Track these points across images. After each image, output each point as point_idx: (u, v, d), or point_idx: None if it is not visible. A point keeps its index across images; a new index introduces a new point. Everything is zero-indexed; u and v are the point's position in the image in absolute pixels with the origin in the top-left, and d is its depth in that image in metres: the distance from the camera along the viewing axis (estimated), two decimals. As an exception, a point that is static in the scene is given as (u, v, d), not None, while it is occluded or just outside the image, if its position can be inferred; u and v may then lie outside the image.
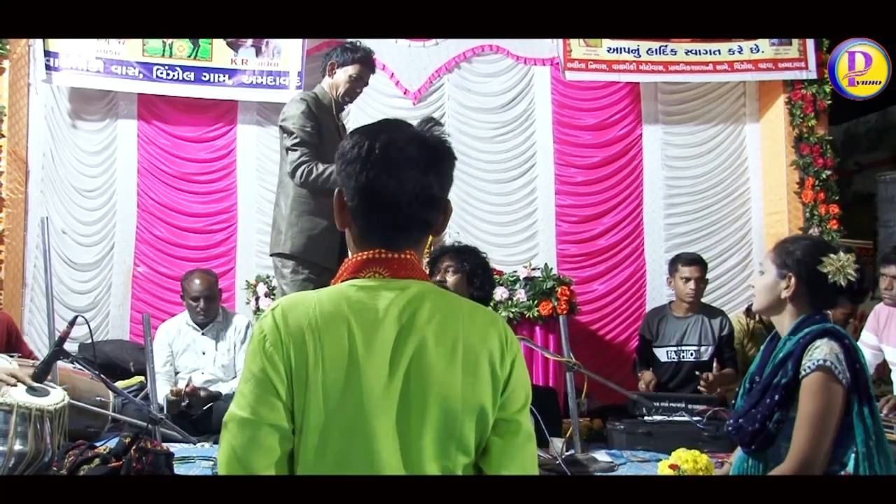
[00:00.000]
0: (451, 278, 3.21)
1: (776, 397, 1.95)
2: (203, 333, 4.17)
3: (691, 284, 4.07)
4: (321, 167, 3.10)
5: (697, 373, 3.89)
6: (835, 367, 1.89)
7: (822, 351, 1.91)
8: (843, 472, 1.99)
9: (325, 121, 3.25)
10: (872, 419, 1.90)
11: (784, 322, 2.07)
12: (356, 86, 3.29)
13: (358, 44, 3.33)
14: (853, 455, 1.95)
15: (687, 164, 5.43)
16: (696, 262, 4.13)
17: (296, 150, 3.15)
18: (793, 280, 2.02)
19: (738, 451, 2.16)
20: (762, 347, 2.17)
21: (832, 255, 1.98)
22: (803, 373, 1.92)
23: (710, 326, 4.11)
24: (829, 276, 1.98)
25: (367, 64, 3.29)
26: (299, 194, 3.18)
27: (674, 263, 4.23)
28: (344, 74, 3.26)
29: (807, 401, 1.90)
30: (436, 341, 1.19)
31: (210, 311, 4.13)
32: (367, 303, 1.21)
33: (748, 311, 4.53)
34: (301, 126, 3.15)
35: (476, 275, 3.24)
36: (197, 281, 4.13)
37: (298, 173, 3.11)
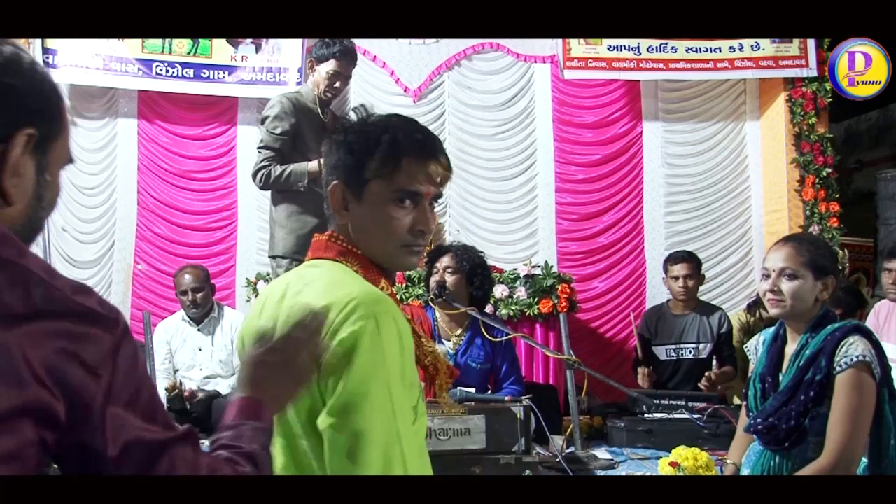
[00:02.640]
0: (450, 278, 3.21)
1: (811, 394, 1.97)
2: (199, 329, 4.18)
3: (680, 283, 4.10)
4: (279, 168, 3.12)
5: (707, 374, 3.89)
6: (872, 362, 1.93)
7: (859, 347, 1.94)
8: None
9: (305, 119, 3.23)
10: None
11: (801, 321, 2.08)
12: (335, 81, 3.25)
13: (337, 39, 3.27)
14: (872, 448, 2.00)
15: (687, 162, 5.43)
16: (684, 259, 4.15)
17: (259, 153, 3.18)
18: (832, 281, 2.07)
19: (754, 450, 2.15)
20: (766, 347, 2.18)
21: (839, 252, 2.07)
22: (839, 368, 1.95)
23: (708, 324, 4.12)
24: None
25: (344, 58, 3.24)
26: (287, 195, 3.19)
27: (665, 263, 4.28)
28: (323, 70, 3.24)
29: (845, 396, 1.93)
30: (284, 320, 1.15)
31: (201, 305, 4.13)
32: (273, 285, 1.30)
33: (749, 308, 4.53)
34: (272, 129, 3.16)
35: (476, 275, 3.25)
36: (186, 276, 4.15)
37: (258, 177, 3.15)
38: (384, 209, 1.21)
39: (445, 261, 3.26)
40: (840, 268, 2.08)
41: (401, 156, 1.21)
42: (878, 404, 1.95)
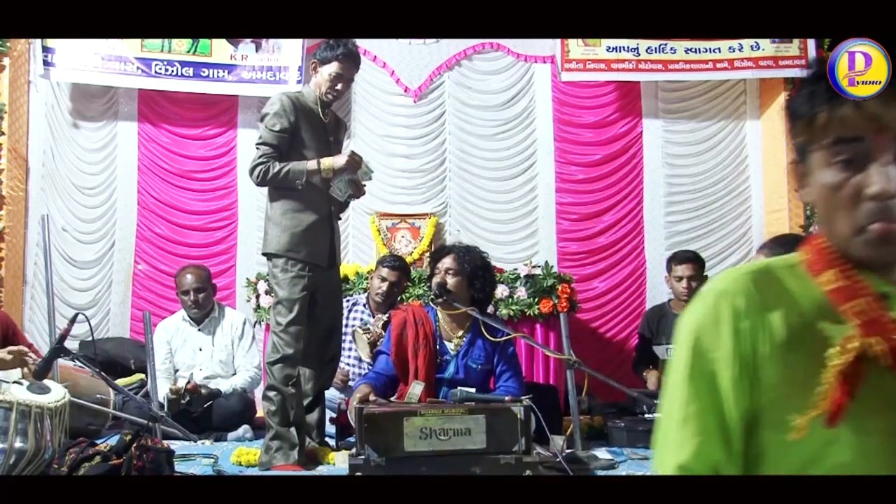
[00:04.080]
0: (451, 279, 3.21)
1: None
2: (199, 329, 4.17)
3: (684, 283, 4.13)
4: (277, 166, 3.11)
5: None
6: None
7: None
8: None
9: (305, 119, 3.23)
10: None
11: None
12: (337, 83, 3.25)
13: (342, 40, 3.25)
14: None
15: (687, 162, 5.43)
16: (690, 260, 4.18)
17: (258, 150, 3.18)
18: None
19: None
20: None
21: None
22: None
23: (709, 324, 4.12)
24: None
25: (347, 61, 3.24)
26: (284, 192, 3.19)
27: (669, 262, 4.31)
28: (325, 72, 3.24)
29: None
30: None
31: (203, 305, 4.14)
32: None
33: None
34: (271, 126, 3.16)
35: (477, 276, 3.24)
36: (188, 276, 4.15)
37: (255, 173, 3.15)
38: (820, 178, 0.92)
39: (447, 262, 3.26)
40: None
41: (820, 102, 0.95)
42: None
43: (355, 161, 3.16)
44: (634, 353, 4.44)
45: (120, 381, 3.93)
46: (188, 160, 5.28)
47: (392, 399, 3.05)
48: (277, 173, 3.10)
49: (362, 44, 5.25)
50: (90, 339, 3.47)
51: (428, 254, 5.11)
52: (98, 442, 2.68)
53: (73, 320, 2.86)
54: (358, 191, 3.23)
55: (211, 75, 5.00)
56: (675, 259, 4.25)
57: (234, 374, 4.19)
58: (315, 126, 3.25)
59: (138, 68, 4.92)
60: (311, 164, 3.11)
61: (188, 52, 4.98)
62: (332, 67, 3.22)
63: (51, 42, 4.86)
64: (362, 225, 5.26)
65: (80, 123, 5.22)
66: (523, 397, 2.73)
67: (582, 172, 5.39)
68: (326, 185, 3.20)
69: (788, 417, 0.91)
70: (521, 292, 4.49)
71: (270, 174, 3.11)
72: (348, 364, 3.98)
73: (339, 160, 3.14)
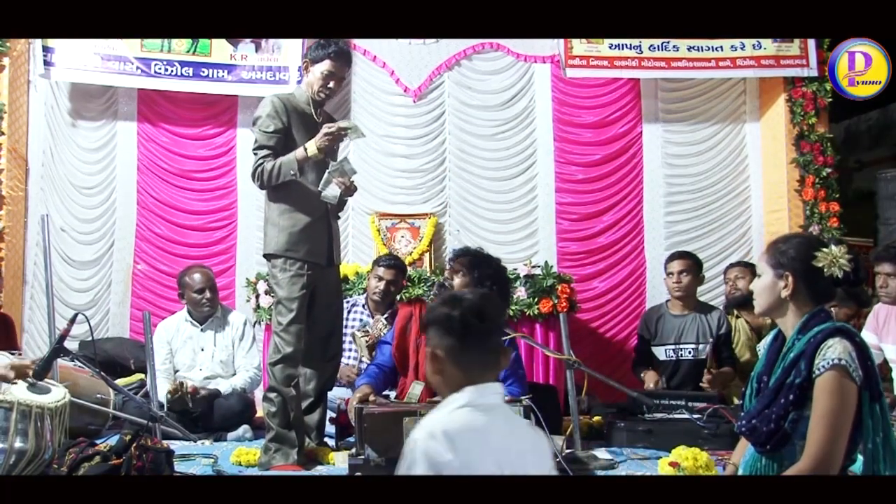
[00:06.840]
0: (457, 279, 3.21)
1: (791, 397, 1.95)
2: (202, 330, 4.17)
3: (675, 278, 4.17)
4: (269, 164, 3.12)
5: (707, 368, 3.92)
6: (849, 366, 1.90)
7: (836, 350, 1.91)
8: (850, 469, 1.99)
9: (297, 119, 3.23)
10: (882, 416, 1.93)
11: (788, 321, 2.07)
12: (329, 81, 3.25)
13: (333, 39, 3.24)
14: (859, 452, 1.97)
15: (687, 162, 5.42)
16: (680, 256, 4.25)
17: (255, 154, 3.19)
18: (790, 278, 2.04)
19: (748, 451, 2.15)
20: (766, 347, 2.18)
21: (824, 249, 2.03)
22: (817, 371, 1.92)
23: (707, 324, 4.13)
24: (825, 270, 2.01)
25: (339, 59, 3.24)
26: (280, 193, 3.20)
27: (664, 263, 4.35)
28: (317, 71, 3.24)
29: (822, 399, 1.90)
30: None
31: (214, 304, 4.17)
32: None
33: (727, 309, 4.50)
34: (264, 127, 3.17)
35: (483, 285, 3.23)
36: (197, 275, 4.16)
37: (255, 176, 3.17)
38: None
39: (457, 264, 3.28)
40: (819, 265, 2.03)
41: None
42: (859, 406, 1.91)
43: (333, 133, 3.10)
44: (634, 353, 4.44)
45: (120, 381, 3.93)
46: (187, 160, 5.28)
47: (392, 398, 3.05)
48: (271, 170, 3.12)
49: (362, 44, 5.25)
50: (90, 339, 3.47)
51: (427, 254, 5.12)
52: (98, 442, 2.68)
53: (72, 320, 2.86)
54: (348, 191, 3.22)
55: (210, 75, 5.00)
56: (669, 258, 4.36)
57: (234, 374, 4.18)
58: (308, 126, 3.26)
59: (138, 68, 4.92)
60: (299, 152, 3.12)
61: (188, 52, 4.98)
62: (324, 66, 3.23)
63: (51, 42, 4.86)
64: (362, 225, 5.26)
65: (80, 123, 5.22)
66: (523, 397, 2.73)
67: (582, 172, 5.38)
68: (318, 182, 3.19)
69: None
70: (521, 292, 4.49)
71: (265, 173, 3.12)
72: (347, 363, 3.98)
73: (318, 136, 3.10)
